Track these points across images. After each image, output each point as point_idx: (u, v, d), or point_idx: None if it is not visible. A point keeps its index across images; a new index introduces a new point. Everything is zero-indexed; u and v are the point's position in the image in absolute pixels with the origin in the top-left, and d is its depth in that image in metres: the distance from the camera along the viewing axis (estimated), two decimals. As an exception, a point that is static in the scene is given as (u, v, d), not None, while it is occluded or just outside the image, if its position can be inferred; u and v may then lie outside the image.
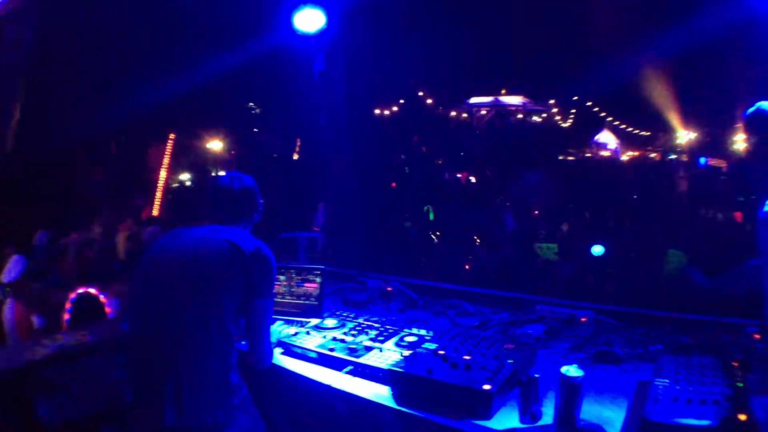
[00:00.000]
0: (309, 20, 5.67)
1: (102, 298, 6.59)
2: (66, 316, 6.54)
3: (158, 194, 17.46)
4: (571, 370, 2.58)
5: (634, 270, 11.18)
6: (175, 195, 19.42)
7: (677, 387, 2.65)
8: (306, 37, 5.76)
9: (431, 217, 16.95)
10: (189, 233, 3.15)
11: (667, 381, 2.71)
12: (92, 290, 6.57)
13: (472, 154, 35.66)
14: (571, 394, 2.57)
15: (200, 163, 25.00)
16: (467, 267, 11.66)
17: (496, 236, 15.40)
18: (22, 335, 6.55)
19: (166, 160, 18.77)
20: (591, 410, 2.73)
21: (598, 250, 11.15)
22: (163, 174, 18.17)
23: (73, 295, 6.60)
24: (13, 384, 3.77)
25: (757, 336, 3.45)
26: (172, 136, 19.10)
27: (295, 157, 26.16)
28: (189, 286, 2.94)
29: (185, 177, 23.17)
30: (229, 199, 3.31)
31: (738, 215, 15.29)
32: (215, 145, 26.60)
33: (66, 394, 3.93)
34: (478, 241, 14.70)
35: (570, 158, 42.45)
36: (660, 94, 31.26)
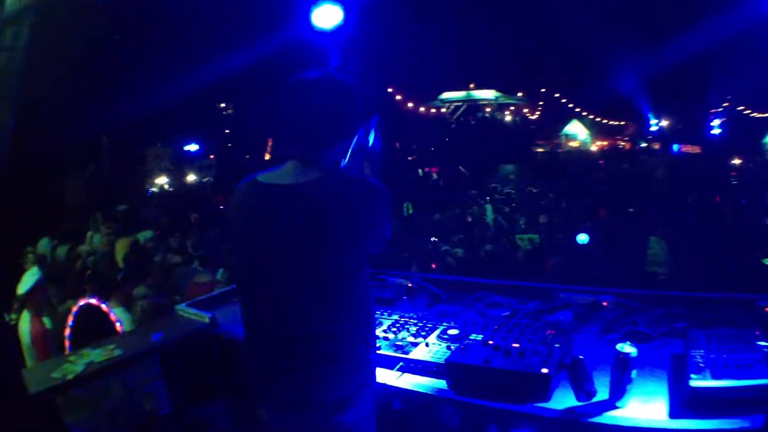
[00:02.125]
0: (327, 16, 5.75)
1: (104, 307, 6.57)
2: (67, 331, 6.51)
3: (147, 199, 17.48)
4: (626, 347, 2.84)
5: (619, 256, 11.46)
6: (159, 199, 19.41)
7: (712, 356, 2.93)
8: (322, 34, 5.84)
9: (410, 211, 17.03)
10: (290, 184, 2.59)
11: (702, 351, 2.99)
12: (93, 301, 6.52)
13: (445, 149, 35.88)
14: (625, 369, 2.83)
15: (177, 167, 24.96)
16: (433, 266, 11.74)
17: (480, 229, 15.62)
18: (39, 349, 6.52)
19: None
20: (636, 384, 2.95)
21: (583, 238, 11.42)
22: (148, 178, 18.20)
23: (75, 308, 6.58)
24: (45, 406, 3.58)
25: None
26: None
27: (267, 157, 26.10)
28: (310, 254, 2.54)
29: (162, 180, 23.12)
30: (319, 110, 2.58)
31: (717, 198, 15.69)
32: (191, 146, 26.62)
33: (100, 412, 3.89)
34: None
35: (539, 150, 42.84)
36: (628, 83, 31.69)
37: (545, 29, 30.80)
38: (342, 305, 2.64)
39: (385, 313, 4.36)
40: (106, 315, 6.43)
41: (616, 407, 2.84)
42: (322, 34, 5.88)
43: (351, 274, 2.63)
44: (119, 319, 6.48)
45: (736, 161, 24.30)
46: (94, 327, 6.20)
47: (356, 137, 2.72)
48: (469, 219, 17.56)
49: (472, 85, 46.87)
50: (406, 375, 3.44)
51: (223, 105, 30.28)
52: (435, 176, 31.35)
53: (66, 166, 15.94)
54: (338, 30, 5.85)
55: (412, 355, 3.54)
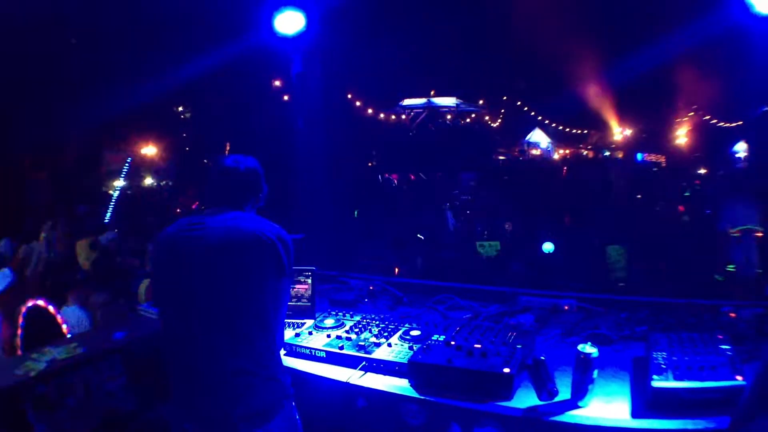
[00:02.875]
0: (289, 22, 5.74)
1: (51, 309, 6.47)
2: (19, 331, 6.39)
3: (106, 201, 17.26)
4: (587, 348, 2.87)
5: (582, 263, 11.56)
6: (118, 202, 19.16)
7: (674, 358, 2.97)
8: (284, 39, 5.84)
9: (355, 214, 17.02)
10: (208, 224, 3.05)
11: (664, 353, 3.03)
12: (41, 302, 6.42)
13: (405, 156, 35.95)
14: (586, 369, 2.85)
15: (135, 169, 24.71)
16: (396, 270, 11.76)
17: (439, 236, 15.66)
18: (7, 350, 6.40)
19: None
20: (598, 385, 2.99)
21: (548, 247, 11.50)
22: (105, 180, 17.97)
23: (23, 309, 6.47)
24: (8, 403, 3.64)
25: (733, 315, 3.79)
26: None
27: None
28: (229, 278, 2.93)
29: (120, 183, 22.83)
30: (236, 181, 3.23)
31: (681, 208, 15.89)
32: (149, 150, 26.35)
33: (63, 410, 3.85)
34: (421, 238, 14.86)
35: (501, 158, 43.12)
36: (593, 92, 32.03)
37: (507, 37, 31.06)
38: (244, 329, 2.93)
39: (348, 314, 4.36)
40: (53, 317, 6.34)
41: (579, 407, 2.86)
42: (284, 39, 5.88)
43: (255, 297, 2.98)
44: (74, 318, 6.39)
45: (701, 171, 24.71)
46: (41, 329, 6.12)
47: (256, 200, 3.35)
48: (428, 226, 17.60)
49: (432, 92, 47.10)
50: (369, 374, 3.45)
51: (180, 109, 30.00)
52: (395, 183, 31.40)
53: (26, 166, 15.73)
54: (300, 36, 5.86)
55: (375, 354, 3.55)
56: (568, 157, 43.61)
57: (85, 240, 9.36)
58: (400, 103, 46.69)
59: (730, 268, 8.86)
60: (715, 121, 35.19)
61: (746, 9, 4.61)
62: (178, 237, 3.07)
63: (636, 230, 12.70)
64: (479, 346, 3.28)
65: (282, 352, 3.69)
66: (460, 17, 28.93)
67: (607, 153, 40.44)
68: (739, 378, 2.71)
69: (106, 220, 15.48)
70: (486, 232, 16.05)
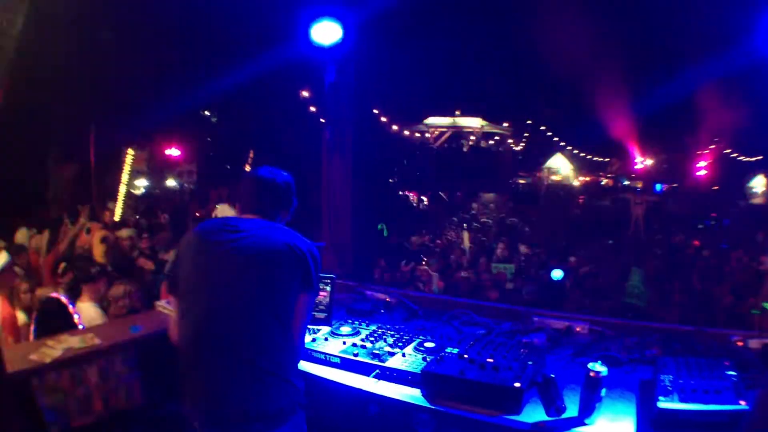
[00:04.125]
0: (326, 33, 5.81)
1: (63, 299, 6.53)
2: (32, 326, 6.45)
3: (120, 198, 17.38)
4: (597, 367, 2.94)
5: (596, 288, 11.58)
6: (137, 200, 19.34)
7: (681, 381, 3.05)
8: (320, 50, 5.90)
9: (385, 233, 17.12)
10: (243, 228, 3.13)
11: (671, 376, 3.10)
12: (55, 295, 6.48)
13: (427, 174, 35.98)
14: (595, 387, 2.92)
15: (158, 170, 24.92)
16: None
17: (457, 255, 15.69)
18: (8, 330, 6.46)
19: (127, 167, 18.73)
20: (604, 404, 3.06)
21: (557, 274, 11.49)
22: (124, 178, 18.09)
23: (39, 303, 6.53)
24: (20, 389, 3.67)
25: (740, 343, 3.85)
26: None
27: (247, 168, 26.09)
28: (258, 282, 3.00)
29: (143, 183, 23.03)
30: (271, 192, 3.31)
31: (696, 242, 15.87)
32: (173, 151, 26.58)
33: (74, 399, 3.89)
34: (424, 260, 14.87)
35: (521, 181, 43.07)
36: (616, 121, 31.96)
37: (535, 61, 31.07)
38: (267, 331, 3.00)
39: (364, 324, 4.45)
40: (67, 309, 6.40)
41: (585, 424, 2.94)
42: (320, 49, 5.95)
43: (278, 306, 3.04)
44: (87, 315, 6.45)
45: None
46: (54, 322, 6.17)
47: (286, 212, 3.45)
48: (446, 244, 17.68)
49: (458, 112, 47.13)
50: (382, 382, 3.53)
51: (207, 113, 30.24)
52: (415, 200, 31.48)
53: (52, 159, 15.90)
54: (335, 47, 5.92)
55: (389, 363, 3.62)
56: (588, 184, 43.47)
57: (98, 235, 9.47)
58: (425, 120, 46.77)
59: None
60: (735, 154, 35.02)
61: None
62: (211, 237, 3.14)
63: (653, 259, 12.72)
64: (491, 360, 3.34)
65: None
66: (489, 38, 29.00)
67: (627, 182, 40.31)
68: (742, 402, 2.79)
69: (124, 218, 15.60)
70: (501, 255, 16.10)
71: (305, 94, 27.47)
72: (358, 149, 6.60)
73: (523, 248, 16.19)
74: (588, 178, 46.04)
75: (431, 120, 46.98)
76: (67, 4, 11.62)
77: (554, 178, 45.82)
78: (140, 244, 10.57)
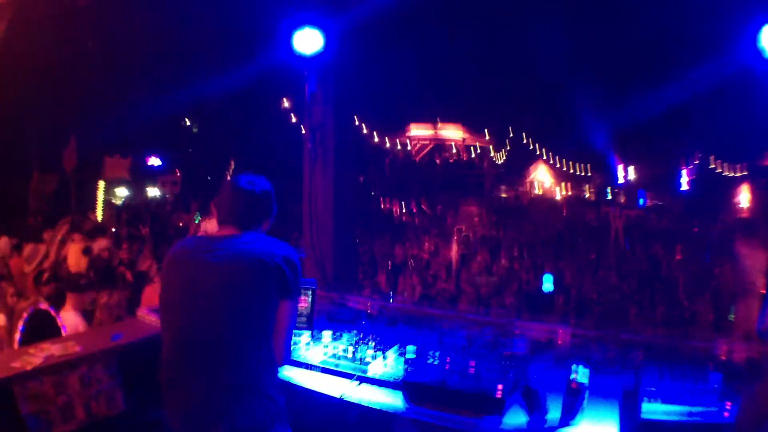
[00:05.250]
0: (308, 41, 5.81)
1: (53, 313, 6.49)
2: (17, 335, 6.42)
3: (99, 207, 17.27)
4: (579, 371, 2.94)
5: (577, 300, 11.63)
6: (119, 210, 19.23)
7: (664, 384, 3.09)
8: (301, 59, 5.89)
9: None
10: (218, 247, 3.10)
11: (654, 380, 3.14)
12: (43, 306, 6.45)
13: (408, 185, 36.02)
14: (577, 392, 2.94)
15: (139, 179, 24.85)
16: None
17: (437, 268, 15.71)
18: None
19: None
20: (587, 410, 3.07)
21: (548, 286, 11.49)
22: (104, 187, 17.96)
23: (26, 314, 6.49)
24: (2, 396, 3.65)
25: (723, 357, 3.88)
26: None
27: (228, 178, 26.01)
28: (233, 298, 2.99)
29: (123, 192, 22.95)
30: (249, 203, 3.25)
31: (678, 256, 15.94)
32: (155, 161, 26.55)
33: (55, 406, 3.86)
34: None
35: (503, 195, 43.19)
36: (599, 134, 32.13)
37: (516, 74, 31.27)
38: (243, 346, 2.99)
39: (345, 332, 4.42)
40: (54, 320, 6.36)
41: (568, 428, 2.93)
42: (301, 58, 5.95)
43: (256, 316, 3.03)
44: (70, 324, 6.41)
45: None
46: (41, 331, 6.13)
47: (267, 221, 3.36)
48: (427, 256, 17.67)
49: (438, 123, 47.19)
50: (364, 389, 3.52)
51: (188, 123, 30.22)
52: (395, 211, 31.47)
53: (33, 169, 15.84)
54: (317, 56, 5.92)
55: (371, 370, 3.63)
56: (570, 197, 43.64)
57: (78, 245, 9.41)
58: (407, 132, 46.85)
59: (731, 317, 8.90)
60: (720, 170, 35.31)
61: (759, 55, 4.67)
62: (186, 256, 3.13)
63: (634, 273, 12.77)
64: (473, 369, 3.34)
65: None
66: (470, 49, 29.14)
67: (609, 196, 40.50)
68: (728, 404, 2.81)
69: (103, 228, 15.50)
70: (484, 266, 16.12)
71: (286, 103, 27.50)
72: (340, 159, 6.59)
73: (504, 261, 16.21)
74: (570, 192, 46.21)
75: (413, 132, 47.05)
76: (48, 13, 11.58)
77: (536, 192, 45.99)
78: (119, 254, 10.50)
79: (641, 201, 31.14)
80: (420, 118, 46.44)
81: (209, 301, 2.98)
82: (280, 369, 3.25)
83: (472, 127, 47.44)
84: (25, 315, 6.39)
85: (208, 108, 21.60)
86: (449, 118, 46.86)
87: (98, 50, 14.84)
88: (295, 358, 3.88)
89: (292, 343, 3.35)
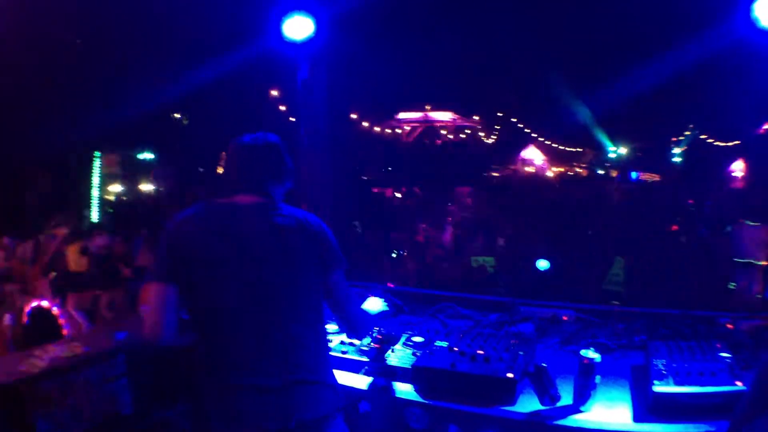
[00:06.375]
0: (298, 27, 5.75)
1: (55, 310, 6.48)
2: (19, 330, 6.41)
3: (94, 204, 17.24)
4: (590, 353, 2.93)
5: (578, 277, 11.63)
6: (114, 207, 19.18)
7: (674, 365, 3.03)
8: (291, 45, 5.84)
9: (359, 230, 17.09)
10: (235, 213, 2.80)
11: (664, 360, 3.09)
12: (44, 303, 6.43)
13: (400, 170, 35.97)
14: (589, 374, 2.93)
15: (131, 174, 24.76)
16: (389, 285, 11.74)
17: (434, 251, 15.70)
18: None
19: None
20: (598, 391, 3.06)
21: (543, 264, 11.48)
22: (97, 183, 17.94)
23: (27, 309, 6.49)
24: (11, 400, 3.54)
25: (730, 326, 3.87)
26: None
27: (219, 170, 25.91)
28: (277, 283, 2.72)
29: (117, 189, 22.87)
30: (265, 162, 2.92)
31: (674, 227, 15.96)
32: (147, 155, 26.47)
33: (65, 409, 3.78)
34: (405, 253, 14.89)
35: (495, 174, 43.18)
36: (587, 110, 32.10)
37: (503, 54, 31.16)
38: (311, 318, 2.80)
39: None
40: (55, 318, 6.35)
41: (581, 411, 2.93)
42: (292, 45, 5.89)
43: (314, 290, 2.83)
44: (73, 323, 6.40)
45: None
46: (42, 329, 6.11)
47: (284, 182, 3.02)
48: (422, 239, 17.66)
49: (428, 107, 47.07)
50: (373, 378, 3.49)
51: (178, 116, 30.07)
52: (389, 196, 31.43)
53: (29, 167, 15.78)
54: (308, 42, 5.86)
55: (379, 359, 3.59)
56: (562, 174, 43.69)
57: (76, 244, 9.38)
58: (396, 116, 46.73)
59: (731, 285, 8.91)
60: (711, 140, 35.30)
61: (752, 24, 4.64)
62: (201, 228, 2.78)
63: (632, 246, 12.77)
64: (482, 352, 3.33)
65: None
66: (459, 33, 29.01)
67: (601, 171, 40.54)
68: (738, 383, 2.79)
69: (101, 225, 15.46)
70: (480, 248, 16.11)
71: (275, 93, 27.37)
72: (335, 145, 6.56)
73: (501, 241, 16.21)
74: (562, 169, 46.25)
75: (403, 115, 46.93)
76: (35, 9, 11.49)
77: (528, 169, 45.97)
78: (116, 250, 10.47)
79: (634, 174, 31.20)
80: (410, 104, 46.28)
81: (269, 274, 2.72)
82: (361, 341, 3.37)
83: (462, 111, 47.36)
84: (26, 310, 6.39)
85: (197, 100, 21.43)
86: (439, 104, 46.73)
87: (86, 46, 14.73)
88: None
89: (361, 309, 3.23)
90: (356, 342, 3.86)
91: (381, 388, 3.37)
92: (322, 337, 2.90)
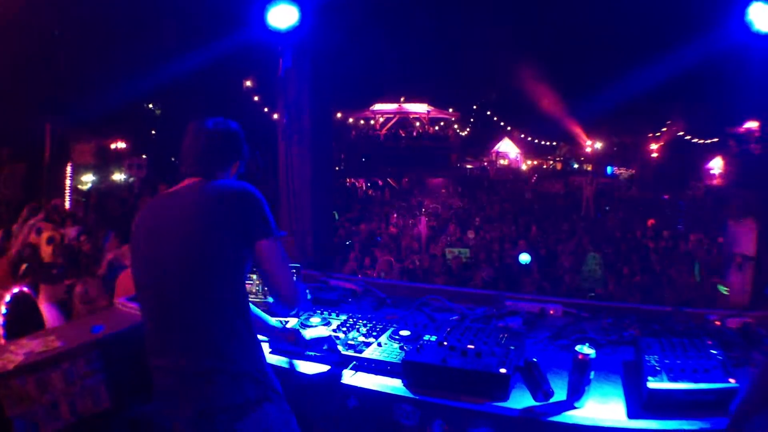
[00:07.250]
0: (282, 16, 5.66)
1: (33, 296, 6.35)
2: (1, 319, 6.27)
3: (66, 194, 17.02)
4: (585, 349, 2.90)
5: (553, 271, 11.66)
6: (87, 196, 18.94)
7: (667, 361, 3.01)
8: (275, 34, 5.76)
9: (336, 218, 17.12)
10: (172, 197, 2.92)
11: (656, 356, 3.07)
12: (26, 290, 6.29)
13: (374, 161, 35.96)
14: (584, 370, 2.91)
15: (105, 164, 24.54)
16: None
17: (408, 242, 15.72)
18: None
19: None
20: (591, 387, 3.01)
21: (525, 258, 11.52)
22: (70, 173, 17.69)
23: (8, 295, 6.34)
24: None
25: (718, 323, 3.86)
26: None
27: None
28: (186, 253, 2.74)
29: (89, 178, 22.64)
30: (211, 143, 3.00)
31: (650, 222, 16.11)
32: (119, 145, 26.22)
33: (41, 406, 3.69)
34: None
35: (469, 166, 43.29)
36: (563, 104, 32.26)
37: (480, 46, 31.22)
38: (219, 298, 2.75)
39: (333, 314, 4.30)
40: (36, 305, 6.23)
41: (575, 407, 2.89)
42: (275, 34, 5.81)
43: (227, 267, 2.77)
44: (47, 315, 6.28)
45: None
46: (25, 316, 5.99)
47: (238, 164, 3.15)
48: (395, 231, 17.67)
49: (402, 99, 46.97)
50: (360, 373, 3.42)
51: (151, 106, 29.86)
52: (362, 187, 31.42)
53: (3, 157, 15.55)
54: (291, 31, 5.78)
55: (366, 354, 3.52)
56: (537, 168, 43.94)
57: (45, 234, 9.24)
58: (371, 107, 46.61)
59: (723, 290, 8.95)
60: (689, 137, 35.59)
61: (745, 27, 4.63)
62: (147, 216, 2.96)
63: (608, 241, 12.87)
64: (473, 346, 3.27)
65: (267, 348, 3.57)
66: (436, 22, 29.03)
67: (576, 165, 40.82)
68: (732, 381, 2.78)
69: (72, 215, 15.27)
70: (454, 239, 16.16)
71: (248, 83, 27.22)
72: (317, 135, 6.48)
73: (471, 234, 16.26)
74: (537, 162, 46.49)
75: (377, 106, 46.81)
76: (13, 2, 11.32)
77: (502, 162, 46.13)
78: (84, 242, 10.30)
79: (609, 169, 31.46)
80: (384, 97, 46.20)
81: (166, 274, 2.77)
82: (292, 312, 3.28)
83: (436, 103, 47.37)
84: (6, 297, 6.24)
85: (172, 89, 21.25)
86: (413, 97, 46.68)
87: (63, 35, 14.54)
88: (284, 346, 3.69)
89: (295, 282, 3.05)
90: (341, 336, 3.79)
91: (328, 375, 3.38)
92: (238, 320, 2.79)
